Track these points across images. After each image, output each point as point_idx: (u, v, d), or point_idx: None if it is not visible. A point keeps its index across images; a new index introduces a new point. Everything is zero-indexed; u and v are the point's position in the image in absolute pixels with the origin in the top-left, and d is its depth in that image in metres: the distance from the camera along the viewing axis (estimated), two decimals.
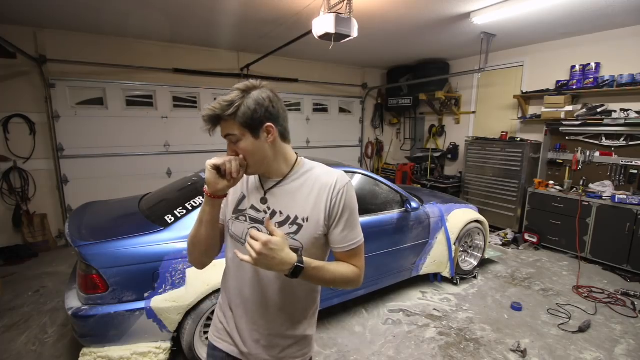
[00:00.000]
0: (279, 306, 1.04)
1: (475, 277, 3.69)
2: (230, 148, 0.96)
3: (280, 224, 0.99)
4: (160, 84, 4.99)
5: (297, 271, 0.89)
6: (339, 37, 2.95)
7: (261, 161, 0.98)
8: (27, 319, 2.87)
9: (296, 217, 0.99)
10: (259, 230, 0.99)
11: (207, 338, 2.25)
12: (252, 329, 1.06)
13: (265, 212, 1.01)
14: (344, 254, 1.02)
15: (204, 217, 1.00)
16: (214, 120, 0.93)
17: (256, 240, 0.85)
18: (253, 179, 1.07)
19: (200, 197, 2.37)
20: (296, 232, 0.98)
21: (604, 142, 4.31)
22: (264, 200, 1.03)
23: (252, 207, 1.03)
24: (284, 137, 1.02)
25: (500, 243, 4.76)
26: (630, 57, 4.07)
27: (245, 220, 1.03)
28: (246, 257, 0.86)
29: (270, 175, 1.03)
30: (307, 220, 0.98)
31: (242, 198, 1.05)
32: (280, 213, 1.00)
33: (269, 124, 0.95)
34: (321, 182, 1.00)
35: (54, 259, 4.15)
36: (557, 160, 4.78)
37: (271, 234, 0.88)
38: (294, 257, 0.89)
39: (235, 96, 0.92)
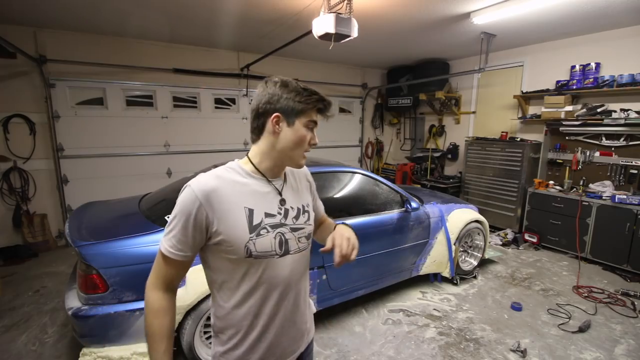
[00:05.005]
0: (303, 296, 1.12)
1: (475, 277, 3.69)
2: (314, 134, 1.03)
3: (296, 217, 1.05)
4: (160, 84, 4.99)
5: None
6: (339, 37, 2.95)
7: None
8: (27, 319, 2.87)
9: (303, 207, 1.10)
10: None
11: (207, 338, 2.26)
12: (289, 333, 1.08)
13: (279, 213, 1.00)
14: (323, 216, 1.32)
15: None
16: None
17: (343, 247, 1.01)
18: (249, 189, 0.98)
19: None
20: (309, 218, 1.10)
21: (604, 142, 4.31)
22: (283, 202, 1.03)
23: (267, 215, 0.98)
24: None
25: (500, 243, 4.76)
26: (630, 57, 4.07)
27: (268, 232, 0.97)
28: (353, 256, 1.02)
29: (279, 175, 1.06)
30: (309, 205, 1.13)
31: (251, 213, 0.95)
32: (292, 208, 1.05)
33: None
34: (299, 173, 1.17)
35: (54, 259, 4.15)
36: (557, 160, 4.78)
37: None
38: (345, 227, 1.10)
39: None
